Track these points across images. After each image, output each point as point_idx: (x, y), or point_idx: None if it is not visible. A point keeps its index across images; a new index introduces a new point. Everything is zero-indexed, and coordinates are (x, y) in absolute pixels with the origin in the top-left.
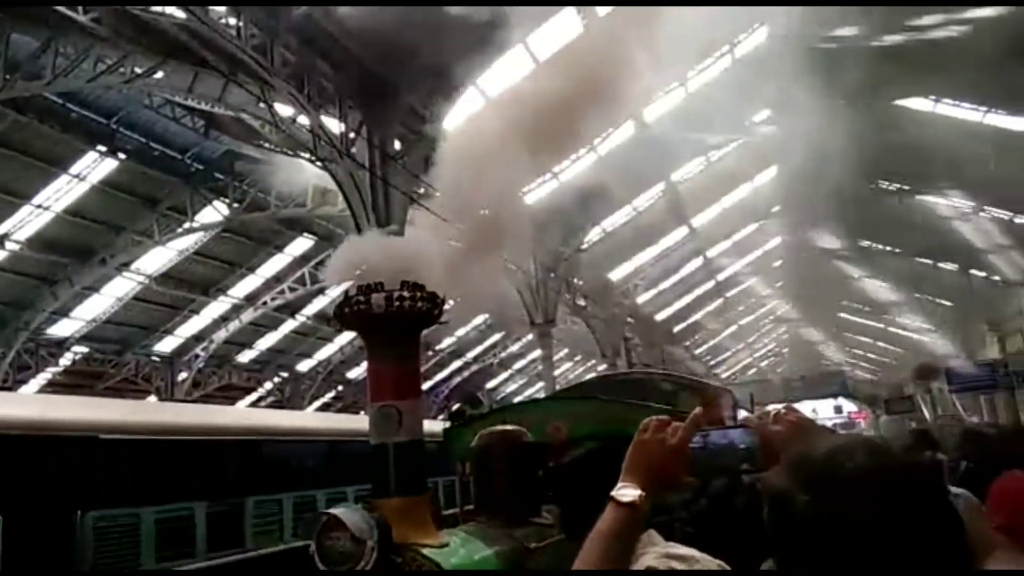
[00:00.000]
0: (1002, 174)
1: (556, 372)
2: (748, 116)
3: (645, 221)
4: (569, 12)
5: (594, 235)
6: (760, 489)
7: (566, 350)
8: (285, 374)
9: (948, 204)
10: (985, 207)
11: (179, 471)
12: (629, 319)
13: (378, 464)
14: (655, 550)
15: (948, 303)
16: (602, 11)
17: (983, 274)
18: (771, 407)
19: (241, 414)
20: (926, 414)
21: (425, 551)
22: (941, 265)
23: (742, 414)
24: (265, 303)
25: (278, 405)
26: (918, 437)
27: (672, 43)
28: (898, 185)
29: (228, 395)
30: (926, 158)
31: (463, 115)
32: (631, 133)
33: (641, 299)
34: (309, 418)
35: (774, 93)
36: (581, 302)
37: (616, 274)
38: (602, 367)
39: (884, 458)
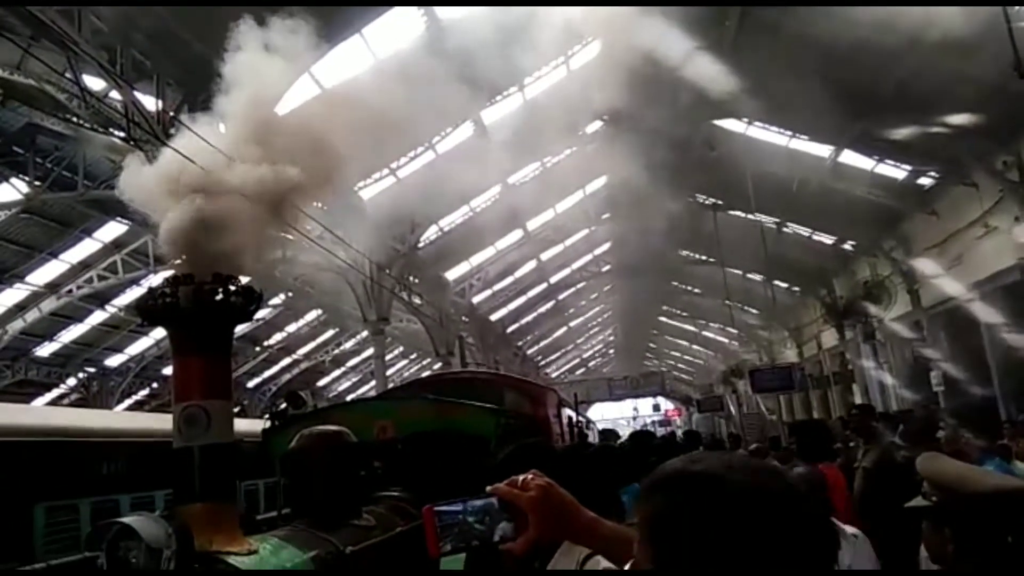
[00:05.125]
0: (803, 194)
1: (390, 371)
2: (582, 126)
3: (482, 222)
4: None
5: (431, 233)
6: None
7: (401, 348)
8: (91, 370)
9: (755, 220)
10: (788, 223)
11: None
12: (464, 319)
13: (181, 468)
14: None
15: (755, 311)
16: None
17: (785, 285)
18: (521, 476)
19: (30, 412)
20: (733, 411)
21: (231, 559)
22: (750, 276)
23: (566, 412)
24: (71, 291)
25: (83, 404)
26: (729, 438)
27: (511, 49)
28: (713, 200)
29: (24, 392)
30: (737, 176)
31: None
32: (469, 134)
33: (476, 299)
34: (114, 418)
35: (605, 106)
36: (417, 300)
37: (452, 274)
38: (437, 366)
39: None
